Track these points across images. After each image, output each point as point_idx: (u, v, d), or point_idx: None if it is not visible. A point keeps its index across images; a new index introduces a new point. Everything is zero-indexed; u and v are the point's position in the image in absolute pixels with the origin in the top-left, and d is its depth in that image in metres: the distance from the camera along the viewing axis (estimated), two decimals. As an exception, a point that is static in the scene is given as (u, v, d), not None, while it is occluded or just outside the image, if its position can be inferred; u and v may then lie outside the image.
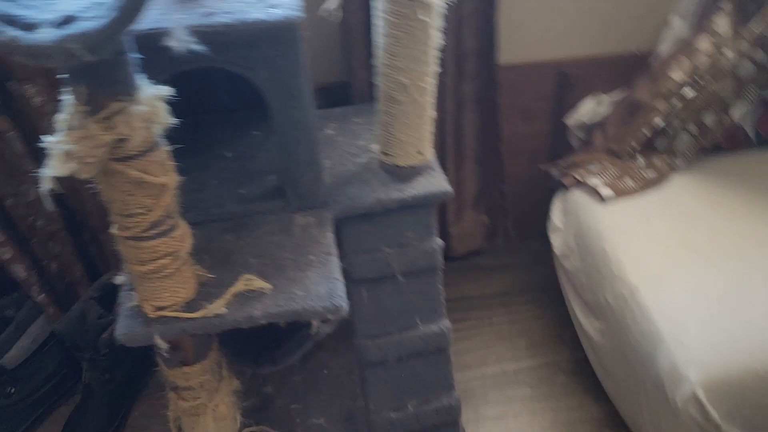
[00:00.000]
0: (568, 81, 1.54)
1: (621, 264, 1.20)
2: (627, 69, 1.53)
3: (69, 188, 1.23)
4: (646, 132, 1.39)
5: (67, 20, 0.55)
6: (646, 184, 1.34)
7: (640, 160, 1.41)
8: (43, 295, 1.21)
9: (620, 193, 1.33)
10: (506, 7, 1.38)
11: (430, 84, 1.02)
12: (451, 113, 1.46)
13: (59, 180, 0.64)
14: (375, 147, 1.17)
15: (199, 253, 0.90)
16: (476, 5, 1.30)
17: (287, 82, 0.89)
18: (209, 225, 0.99)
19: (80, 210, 1.27)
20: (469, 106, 1.47)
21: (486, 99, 1.46)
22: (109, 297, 1.30)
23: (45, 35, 0.53)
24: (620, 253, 1.22)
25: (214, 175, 1.09)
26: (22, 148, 1.13)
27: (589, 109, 1.53)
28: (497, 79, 1.42)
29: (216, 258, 0.94)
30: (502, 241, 1.69)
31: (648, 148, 1.42)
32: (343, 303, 0.87)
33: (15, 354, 1.19)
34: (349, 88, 1.36)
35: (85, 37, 0.53)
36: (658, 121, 1.38)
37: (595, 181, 1.35)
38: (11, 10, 0.55)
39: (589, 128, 1.54)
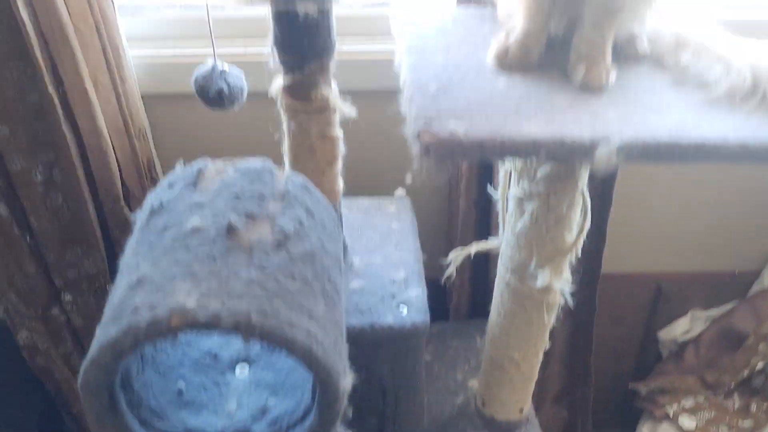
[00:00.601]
0: (664, 294, 1.52)
1: None
2: (726, 287, 1.50)
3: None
4: (745, 373, 1.36)
5: (239, 434, 0.59)
6: (743, 436, 1.30)
7: (736, 400, 1.37)
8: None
9: (714, 442, 1.29)
10: (610, 220, 1.38)
11: (540, 356, 1.03)
12: (543, 320, 1.45)
13: None
14: (473, 385, 1.18)
15: None
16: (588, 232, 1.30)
17: (406, 374, 0.91)
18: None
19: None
20: (564, 314, 1.46)
21: (581, 309, 1.45)
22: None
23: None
24: None
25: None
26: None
27: (684, 327, 1.51)
28: (596, 295, 1.42)
29: None
30: (579, 434, 1.66)
31: (745, 385, 1.39)
32: None
33: None
34: (447, 306, 1.38)
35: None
36: (760, 365, 1.34)
37: (688, 425, 1.32)
38: (186, 417, 0.59)
39: (682, 343, 1.52)
